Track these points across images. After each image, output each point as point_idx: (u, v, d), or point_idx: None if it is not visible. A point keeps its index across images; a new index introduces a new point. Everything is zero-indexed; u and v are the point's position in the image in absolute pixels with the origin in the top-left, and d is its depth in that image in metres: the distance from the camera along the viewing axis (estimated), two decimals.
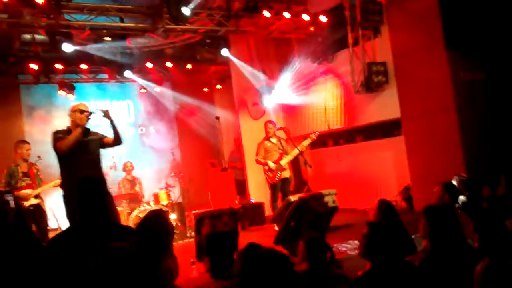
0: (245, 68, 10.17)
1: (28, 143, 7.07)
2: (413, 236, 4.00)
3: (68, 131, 5.24)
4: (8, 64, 9.60)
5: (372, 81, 8.25)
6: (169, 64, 10.53)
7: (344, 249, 5.53)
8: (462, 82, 7.34)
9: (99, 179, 3.68)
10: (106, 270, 2.30)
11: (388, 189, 8.23)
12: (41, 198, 6.84)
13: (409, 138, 8.07)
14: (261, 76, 10.42)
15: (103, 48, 7.71)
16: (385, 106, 8.49)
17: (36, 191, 6.69)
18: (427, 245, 3.09)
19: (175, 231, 7.06)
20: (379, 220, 3.81)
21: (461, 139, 7.20)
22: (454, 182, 5.10)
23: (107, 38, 7.66)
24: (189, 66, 10.94)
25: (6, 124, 10.17)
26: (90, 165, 5.13)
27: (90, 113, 5.25)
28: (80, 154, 5.12)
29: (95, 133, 5.41)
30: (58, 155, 5.15)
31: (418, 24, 7.59)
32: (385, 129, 9.05)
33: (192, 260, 5.44)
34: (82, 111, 5.23)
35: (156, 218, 3.19)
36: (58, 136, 5.17)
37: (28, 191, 6.60)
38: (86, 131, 5.23)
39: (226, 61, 10.50)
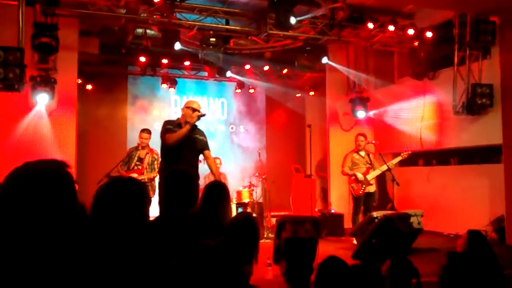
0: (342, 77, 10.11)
1: (147, 131, 7.69)
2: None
3: (177, 123, 5.42)
4: (120, 55, 10.42)
5: (475, 103, 7.85)
6: (266, 67, 10.77)
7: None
8: None
9: (193, 175, 3.76)
10: (192, 268, 2.20)
11: (478, 217, 7.77)
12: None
13: (509, 167, 7.56)
14: (357, 87, 10.32)
15: (207, 48, 8.07)
16: (486, 130, 8.03)
17: (142, 177, 7.21)
18: None
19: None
20: (467, 251, 3.64)
21: None
22: None
23: (212, 39, 8.01)
24: (285, 71, 11.11)
25: (113, 109, 11.02)
26: (189, 161, 5.24)
27: (202, 114, 5.37)
28: (183, 148, 5.26)
29: (202, 133, 5.53)
30: (164, 144, 5.35)
31: None
32: (483, 155, 8.55)
33: (268, 261, 5.54)
34: (194, 110, 5.36)
35: (247, 224, 3.08)
36: (168, 128, 5.35)
37: (134, 175, 7.12)
38: (193, 128, 5.37)
39: (322, 68, 10.52)
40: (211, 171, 5.65)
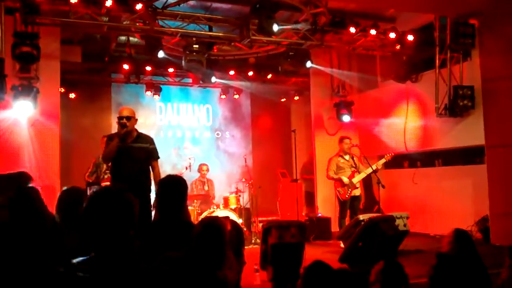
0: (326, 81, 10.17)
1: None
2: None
3: (111, 137, 5.36)
4: (103, 63, 10.36)
5: (457, 105, 7.96)
6: (250, 73, 10.79)
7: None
8: None
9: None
10: (160, 278, 2.19)
11: (463, 218, 7.86)
12: None
13: (491, 167, 7.67)
14: (341, 91, 10.39)
15: (191, 54, 8.07)
16: (468, 131, 8.15)
17: None
18: (503, 281, 2.96)
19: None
20: (453, 251, 3.67)
21: None
22: None
23: (195, 46, 8.01)
24: (269, 76, 11.15)
25: (97, 118, 10.92)
26: (131, 172, 5.11)
27: (122, 122, 5.21)
28: (122, 160, 5.18)
29: (147, 141, 5.38)
30: None
31: None
32: (466, 156, 8.67)
33: (256, 267, 5.53)
34: (119, 119, 5.25)
35: (210, 229, 2.92)
36: (106, 142, 5.35)
37: (106, 183, 7.07)
38: (136, 137, 5.28)
39: (306, 73, 10.58)
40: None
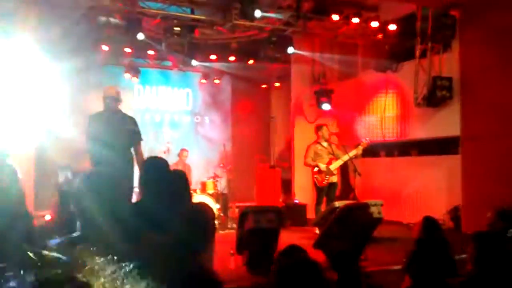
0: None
1: None
2: (456, 257, 3.91)
3: (98, 115, 5.29)
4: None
5: (435, 95, 8.05)
6: (231, 58, 10.71)
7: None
8: None
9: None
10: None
11: (436, 207, 8.01)
12: None
13: (466, 158, 7.81)
14: (321, 79, 10.40)
15: (171, 37, 7.95)
16: (445, 122, 8.27)
17: None
18: (470, 269, 3.03)
19: (217, 221, 7.18)
20: (422, 237, 3.75)
21: None
22: None
23: (177, 28, 7.89)
24: (251, 62, 11.09)
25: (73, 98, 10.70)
26: (116, 154, 5.01)
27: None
28: (103, 143, 5.08)
29: (131, 123, 5.33)
30: None
31: (492, 41, 7.31)
32: (441, 146, 8.80)
33: (231, 251, 5.55)
34: (104, 99, 5.23)
35: (198, 212, 2.98)
36: (89, 125, 5.28)
37: None
38: (112, 119, 5.19)
39: (287, 60, 10.55)
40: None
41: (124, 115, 5.36)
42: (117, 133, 5.14)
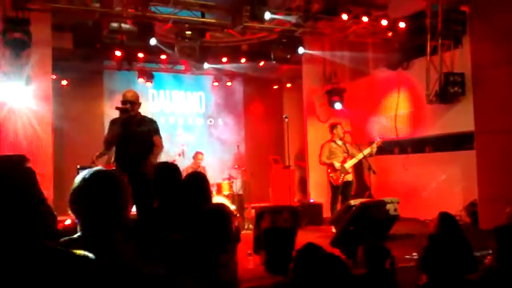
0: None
1: None
2: (477, 254, 3.93)
3: (116, 119, 5.30)
4: (95, 50, 10.28)
5: (447, 91, 8.04)
6: (243, 60, 10.78)
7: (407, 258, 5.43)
8: None
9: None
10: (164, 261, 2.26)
11: (452, 203, 7.99)
12: None
13: (481, 153, 7.78)
14: (333, 78, 10.42)
15: (183, 41, 8.05)
16: (459, 118, 8.24)
17: None
18: (490, 263, 3.05)
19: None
20: (439, 233, 3.77)
21: None
22: None
23: (188, 32, 7.99)
24: (261, 63, 11.14)
25: (89, 105, 10.90)
26: (136, 157, 5.02)
27: (118, 107, 5.22)
28: (121, 147, 5.15)
29: (151, 125, 5.28)
30: None
31: (504, 37, 7.27)
32: (456, 142, 8.77)
33: (249, 251, 5.61)
34: (122, 103, 5.21)
35: (214, 214, 2.99)
36: (109, 127, 5.33)
37: None
38: (130, 123, 5.15)
39: (298, 61, 10.59)
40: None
41: (143, 117, 5.38)
42: (132, 136, 5.15)
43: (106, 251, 1.78)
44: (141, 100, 5.55)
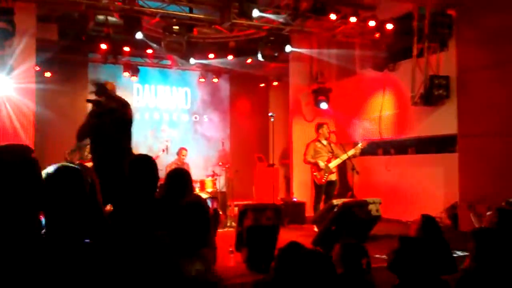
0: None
1: None
2: (456, 255, 3.97)
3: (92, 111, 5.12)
4: (80, 42, 10.15)
5: (432, 94, 8.11)
6: (230, 57, 10.74)
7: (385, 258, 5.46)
8: None
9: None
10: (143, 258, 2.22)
11: (434, 205, 8.06)
12: None
13: (463, 156, 7.88)
14: (319, 77, 10.45)
15: (170, 36, 7.98)
16: (442, 121, 8.33)
17: None
18: (468, 265, 3.08)
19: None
20: (420, 235, 3.80)
21: None
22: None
23: (175, 27, 7.92)
24: (249, 60, 11.11)
25: (73, 98, 10.71)
26: (106, 149, 4.86)
27: (90, 100, 5.12)
28: (96, 137, 4.98)
29: (117, 111, 4.98)
30: None
31: (489, 41, 7.37)
32: (438, 144, 8.86)
33: (231, 249, 5.59)
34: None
35: (194, 208, 2.95)
36: (86, 119, 5.09)
37: (90, 164, 6.98)
38: (100, 113, 4.93)
39: (285, 59, 10.58)
40: None
41: (115, 105, 5.06)
42: (104, 125, 4.92)
43: (71, 248, 1.75)
44: (126, 94, 5.41)
